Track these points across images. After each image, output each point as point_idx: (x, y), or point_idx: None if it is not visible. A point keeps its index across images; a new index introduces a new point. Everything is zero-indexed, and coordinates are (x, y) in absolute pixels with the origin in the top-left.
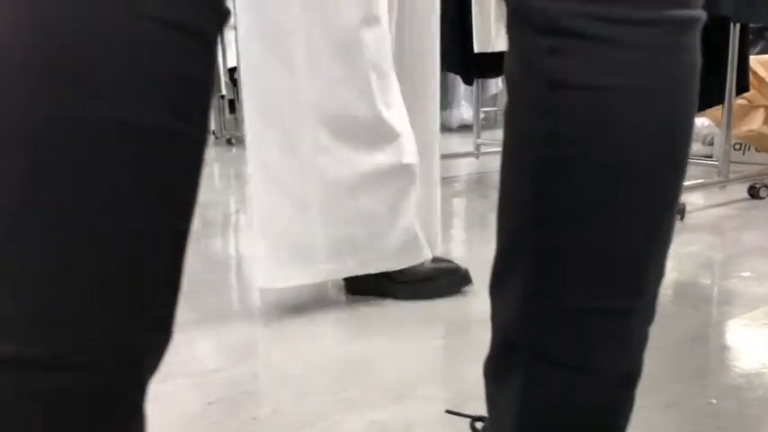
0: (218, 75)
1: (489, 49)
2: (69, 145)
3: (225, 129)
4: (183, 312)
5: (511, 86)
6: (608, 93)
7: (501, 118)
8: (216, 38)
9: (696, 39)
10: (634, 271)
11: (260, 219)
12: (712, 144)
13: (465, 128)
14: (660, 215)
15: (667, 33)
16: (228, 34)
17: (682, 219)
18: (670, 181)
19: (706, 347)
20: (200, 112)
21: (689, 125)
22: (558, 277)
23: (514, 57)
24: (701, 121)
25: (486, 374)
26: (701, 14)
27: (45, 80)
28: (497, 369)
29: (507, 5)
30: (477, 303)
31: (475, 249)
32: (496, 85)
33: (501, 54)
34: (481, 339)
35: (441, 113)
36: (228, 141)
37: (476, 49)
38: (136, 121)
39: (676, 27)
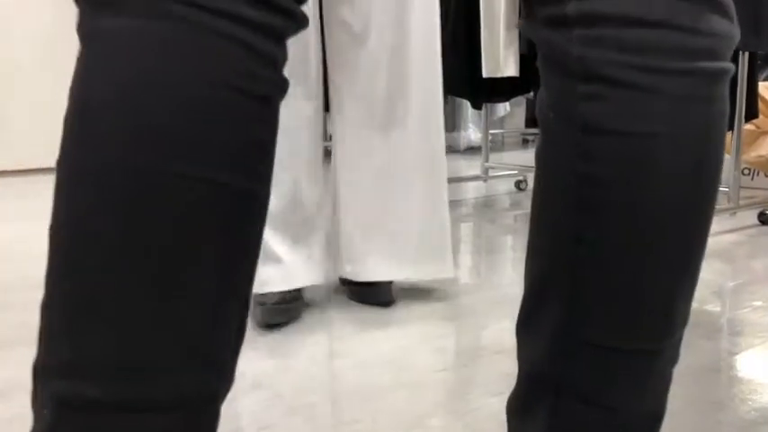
0: None
1: (498, 75)
2: (155, 196)
3: None
4: None
5: (545, 127)
6: (643, 139)
7: (508, 140)
8: (279, 104)
9: (725, 88)
10: (663, 313)
11: None
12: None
13: (472, 150)
14: (690, 258)
15: (700, 84)
16: None
17: None
18: (700, 225)
19: (720, 379)
20: (267, 171)
21: (718, 170)
22: (589, 317)
23: (548, 99)
24: None
25: (509, 410)
26: (731, 66)
27: (136, 135)
28: (523, 405)
29: (539, 50)
30: (487, 333)
31: (484, 276)
32: (504, 107)
33: (509, 78)
34: (491, 371)
35: (448, 136)
36: None
37: (484, 75)
38: (213, 179)
39: (708, 78)
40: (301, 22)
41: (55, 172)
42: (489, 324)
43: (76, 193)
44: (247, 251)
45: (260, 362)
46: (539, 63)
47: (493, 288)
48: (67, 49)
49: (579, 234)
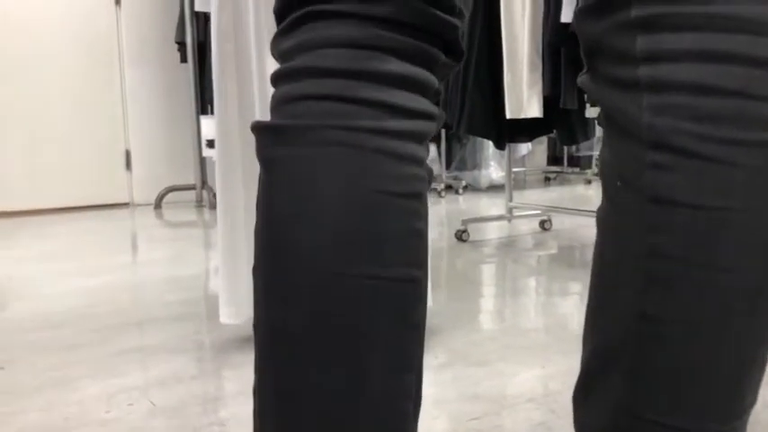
0: None
1: (521, 116)
2: (338, 296)
3: None
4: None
5: (610, 194)
6: (716, 213)
7: (530, 178)
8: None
9: None
10: (732, 394)
11: (222, 257)
12: None
13: (494, 188)
14: (762, 338)
15: None
16: None
17: None
18: None
19: None
20: (425, 256)
21: None
22: (654, 395)
23: (613, 162)
24: None
25: None
26: None
27: (318, 244)
28: None
29: (602, 110)
30: (518, 381)
31: (509, 321)
32: (526, 146)
33: (531, 118)
34: (524, 420)
35: (469, 174)
36: None
37: (508, 116)
38: (387, 276)
39: None
40: (439, 121)
41: (252, 276)
42: (520, 371)
43: (271, 296)
44: (418, 329)
45: None
46: (602, 123)
47: (520, 334)
48: (89, 89)
49: (645, 309)
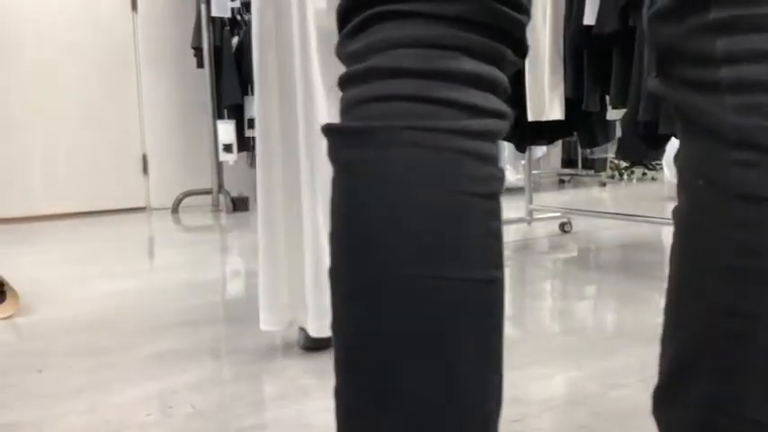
0: None
1: (543, 118)
2: (423, 298)
3: None
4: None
5: (692, 193)
6: None
7: (544, 181)
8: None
9: None
10: None
11: (262, 264)
12: None
13: (509, 191)
14: None
15: None
16: None
17: None
18: None
19: None
20: (502, 256)
21: None
22: (745, 393)
23: (692, 162)
24: None
25: None
26: None
27: (401, 246)
28: None
29: (677, 112)
30: (556, 383)
31: (535, 324)
32: (541, 148)
33: (551, 121)
34: (568, 422)
35: None
36: None
37: (530, 118)
38: (470, 277)
39: None
40: (510, 119)
41: (329, 279)
42: (556, 374)
43: (355, 298)
44: (500, 330)
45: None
46: (677, 124)
47: (549, 337)
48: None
49: (734, 305)
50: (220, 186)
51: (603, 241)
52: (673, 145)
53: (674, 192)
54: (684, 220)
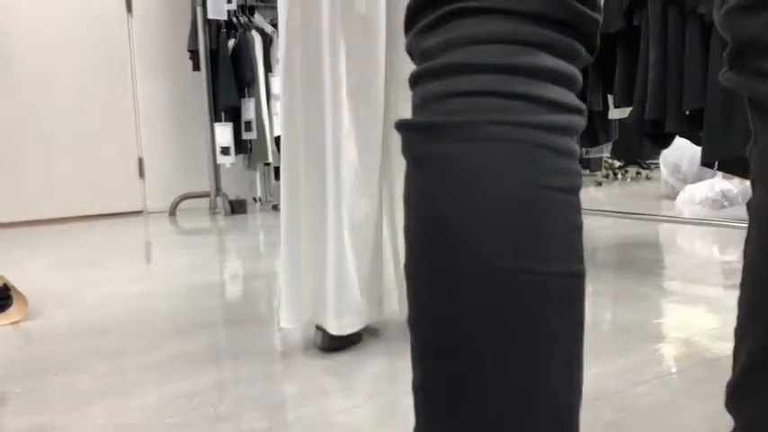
0: (265, 143)
1: None
2: (509, 292)
3: (271, 195)
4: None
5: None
6: None
7: None
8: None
9: None
10: None
11: (283, 262)
12: None
13: None
14: None
15: None
16: (275, 104)
17: None
18: None
19: None
20: (583, 249)
21: None
22: None
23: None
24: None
25: None
26: None
27: (484, 240)
28: None
29: (751, 103)
30: None
31: None
32: None
33: None
34: (595, 419)
35: None
36: (275, 207)
37: None
38: (555, 271)
39: None
40: (585, 115)
41: (405, 274)
42: None
43: (439, 292)
44: (582, 324)
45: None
46: (754, 116)
47: None
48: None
49: None
50: (218, 189)
51: (601, 240)
52: (676, 145)
53: (670, 191)
54: (765, 211)
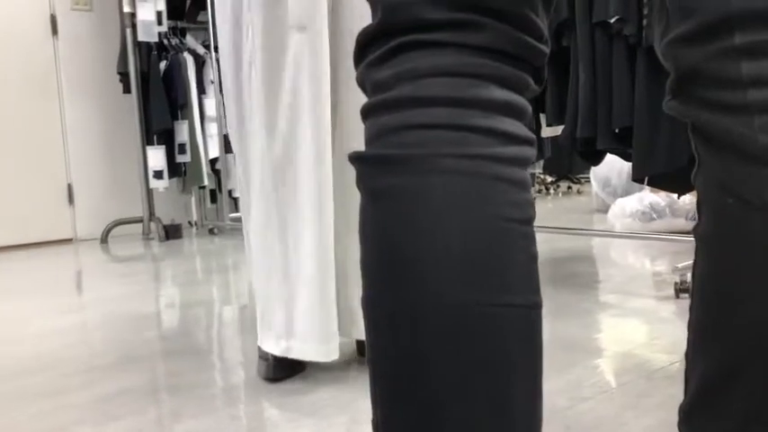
0: (200, 166)
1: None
2: (471, 326)
3: (206, 219)
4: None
5: (717, 209)
6: None
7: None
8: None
9: None
10: None
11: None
12: (695, 219)
13: None
14: None
15: None
16: (210, 126)
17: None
18: None
19: None
20: (539, 283)
21: None
22: None
23: (716, 181)
24: (687, 198)
25: None
26: None
27: (443, 274)
28: None
29: (697, 132)
30: None
31: None
32: None
33: None
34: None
35: None
36: (210, 231)
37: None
38: (513, 302)
39: None
40: (536, 145)
41: (363, 310)
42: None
43: (397, 328)
44: (540, 354)
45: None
46: (697, 144)
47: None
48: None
49: None
50: (151, 214)
51: (542, 254)
52: (605, 160)
53: (601, 204)
54: (711, 237)
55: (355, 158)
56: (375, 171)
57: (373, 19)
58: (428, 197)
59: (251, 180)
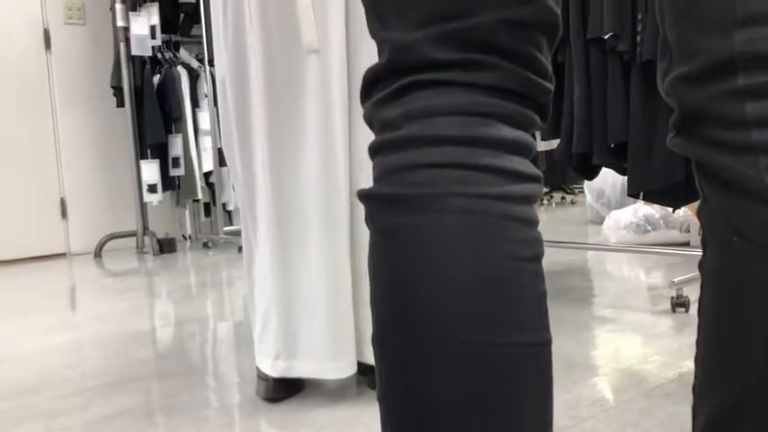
0: (194, 179)
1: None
2: (481, 365)
3: (201, 232)
4: None
5: (724, 247)
6: None
7: None
8: None
9: None
10: None
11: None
12: (689, 231)
13: None
14: None
15: None
16: (204, 140)
17: (687, 311)
18: None
19: None
20: (548, 320)
21: None
22: None
23: (721, 219)
24: (681, 210)
25: None
26: None
27: (454, 313)
28: None
29: (701, 169)
30: None
31: None
32: None
33: None
34: None
35: None
36: (205, 245)
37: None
38: (530, 340)
39: None
40: (543, 182)
41: (373, 348)
42: None
43: (409, 368)
44: (551, 391)
45: None
46: (701, 181)
47: None
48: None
49: None
50: (145, 228)
51: None
52: (600, 173)
53: (595, 215)
54: (718, 273)
55: (364, 196)
56: (384, 210)
57: (380, 57)
58: (438, 236)
59: (256, 195)
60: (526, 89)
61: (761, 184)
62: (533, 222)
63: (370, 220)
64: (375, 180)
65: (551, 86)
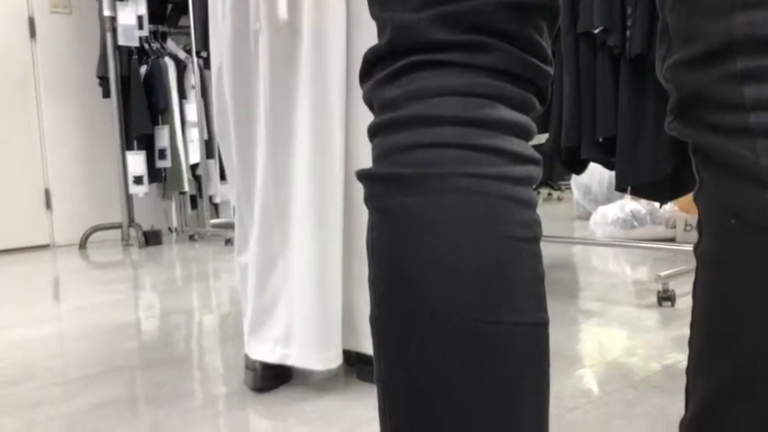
0: (181, 171)
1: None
2: (481, 345)
3: (187, 225)
4: None
5: (721, 230)
6: None
7: None
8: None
9: None
10: None
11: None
12: (675, 227)
13: None
14: None
15: None
16: (190, 131)
17: (673, 305)
18: None
19: None
20: (546, 301)
21: None
22: None
23: (718, 201)
24: (667, 206)
25: None
26: None
27: (455, 293)
28: None
29: (698, 153)
30: None
31: None
32: None
33: None
34: None
35: None
36: (191, 237)
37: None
38: (528, 320)
39: None
40: (542, 164)
41: (371, 328)
42: None
43: (408, 348)
44: (548, 372)
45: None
46: (699, 165)
47: None
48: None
49: None
50: (131, 220)
51: None
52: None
53: (582, 211)
54: (713, 257)
55: (364, 176)
56: (384, 190)
57: (381, 38)
58: (437, 216)
59: (253, 186)
60: (526, 72)
61: (758, 167)
62: (532, 204)
63: (368, 200)
64: (374, 160)
65: (551, 70)
